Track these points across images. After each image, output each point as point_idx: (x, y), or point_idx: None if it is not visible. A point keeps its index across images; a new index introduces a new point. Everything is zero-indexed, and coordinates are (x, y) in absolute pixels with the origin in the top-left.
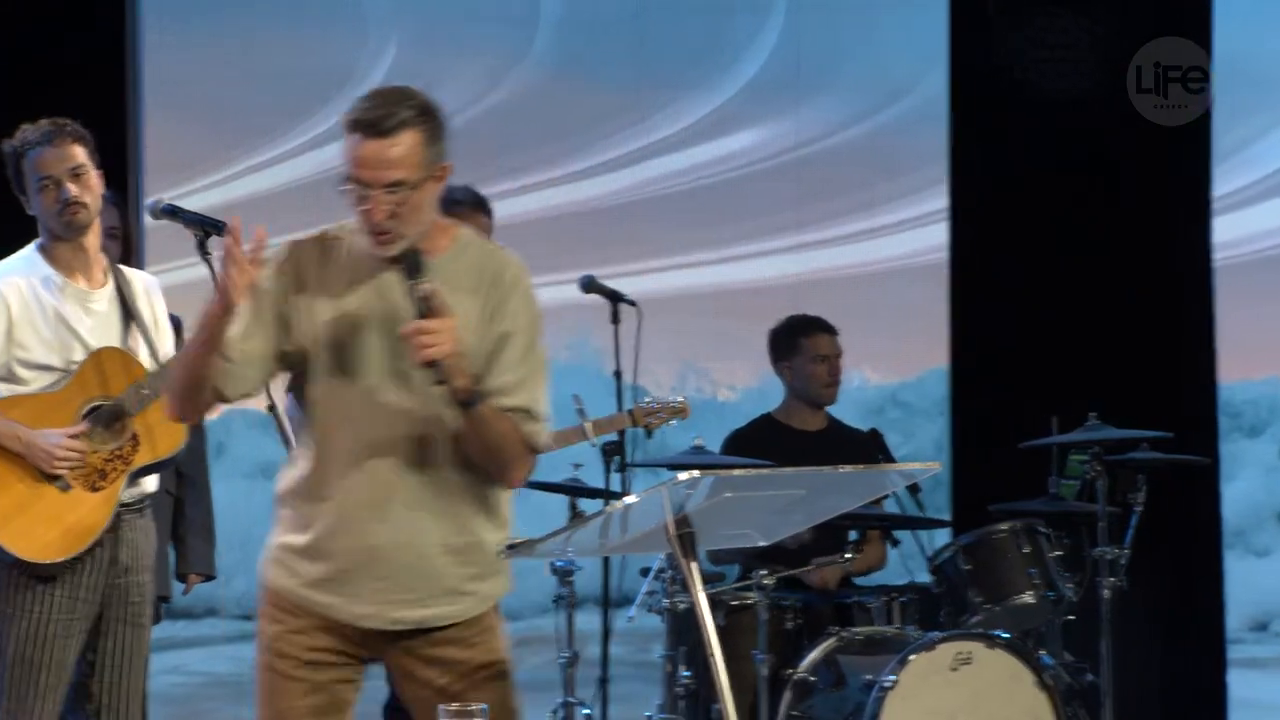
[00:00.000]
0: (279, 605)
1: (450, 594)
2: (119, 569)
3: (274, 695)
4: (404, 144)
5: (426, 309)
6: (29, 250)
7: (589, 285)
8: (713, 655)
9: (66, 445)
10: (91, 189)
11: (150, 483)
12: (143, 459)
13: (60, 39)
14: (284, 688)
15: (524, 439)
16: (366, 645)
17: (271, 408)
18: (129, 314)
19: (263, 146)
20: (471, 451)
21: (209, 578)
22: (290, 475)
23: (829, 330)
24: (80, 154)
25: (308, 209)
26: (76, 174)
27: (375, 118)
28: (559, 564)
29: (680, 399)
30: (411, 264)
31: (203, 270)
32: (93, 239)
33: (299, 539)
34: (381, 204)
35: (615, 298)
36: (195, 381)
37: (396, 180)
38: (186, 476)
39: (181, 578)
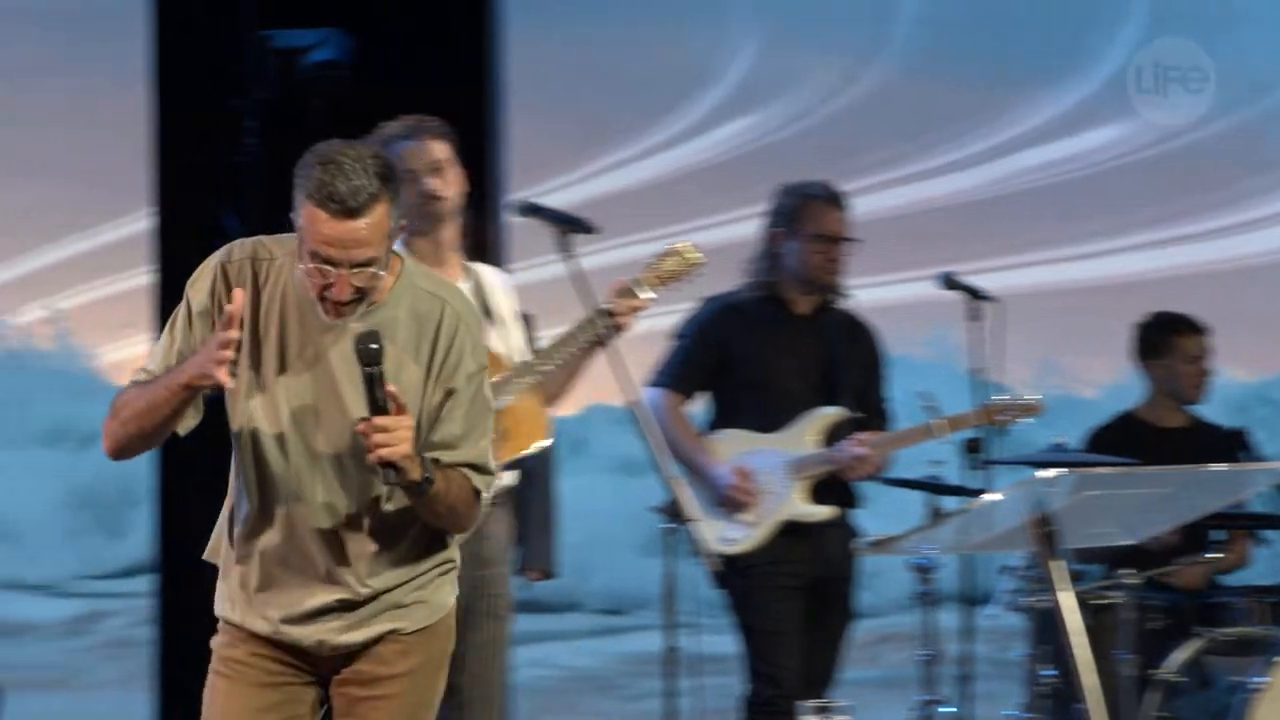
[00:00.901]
0: None
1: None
2: (480, 562)
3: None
4: (373, 219)
5: (383, 403)
6: None
7: (948, 282)
8: (1073, 655)
9: None
10: (450, 185)
11: (508, 477)
12: (506, 455)
13: (424, 40)
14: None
15: (473, 491)
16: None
17: (633, 404)
18: (485, 310)
19: (623, 144)
20: (422, 515)
21: (548, 574)
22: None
23: (1201, 330)
24: (441, 150)
25: (667, 206)
26: (436, 169)
27: (344, 195)
28: (918, 561)
29: (1033, 396)
30: (368, 350)
31: (563, 267)
32: (450, 235)
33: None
34: (349, 282)
35: (974, 294)
36: (155, 433)
37: (367, 259)
38: (528, 471)
39: (520, 573)
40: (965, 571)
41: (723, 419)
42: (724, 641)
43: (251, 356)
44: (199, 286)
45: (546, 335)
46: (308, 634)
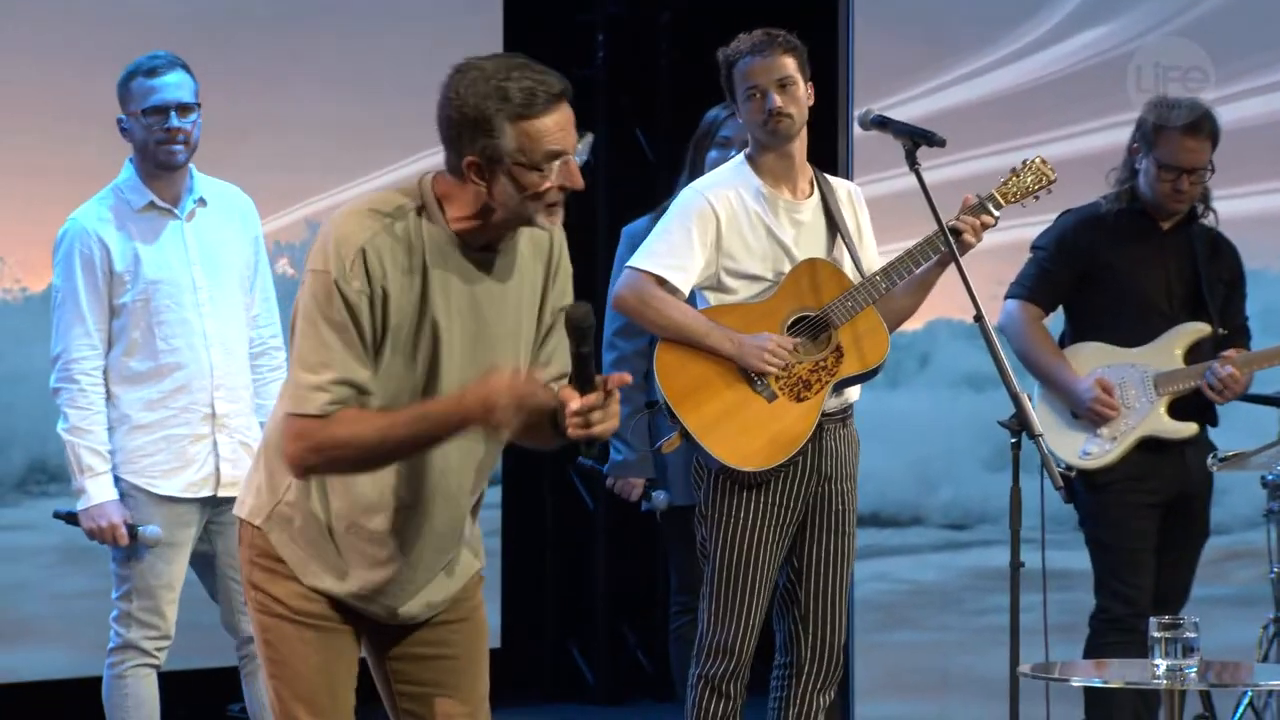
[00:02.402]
0: None
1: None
2: (821, 478)
3: None
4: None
5: (591, 382)
6: (738, 160)
7: None
8: None
9: (777, 342)
10: (797, 100)
11: (854, 392)
12: (846, 370)
13: None
14: None
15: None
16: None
17: (978, 317)
18: (833, 224)
19: (971, 56)
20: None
21: None
22: None
23: None
24: (789, 65)
25: (1017, 118)
26: (783, 84)
27: (550, 84)
28: (1270, 477)
29: None
30: (581, 329)
31: (911, 180)
32: (800, 148)
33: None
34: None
35: None
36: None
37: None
38: None
39: None
40: None
41: (1081, 332)
42: (1069, 557)
43: (399, 327)
44: (351, 276)
45: (892, 250)
46: (417, 606)
